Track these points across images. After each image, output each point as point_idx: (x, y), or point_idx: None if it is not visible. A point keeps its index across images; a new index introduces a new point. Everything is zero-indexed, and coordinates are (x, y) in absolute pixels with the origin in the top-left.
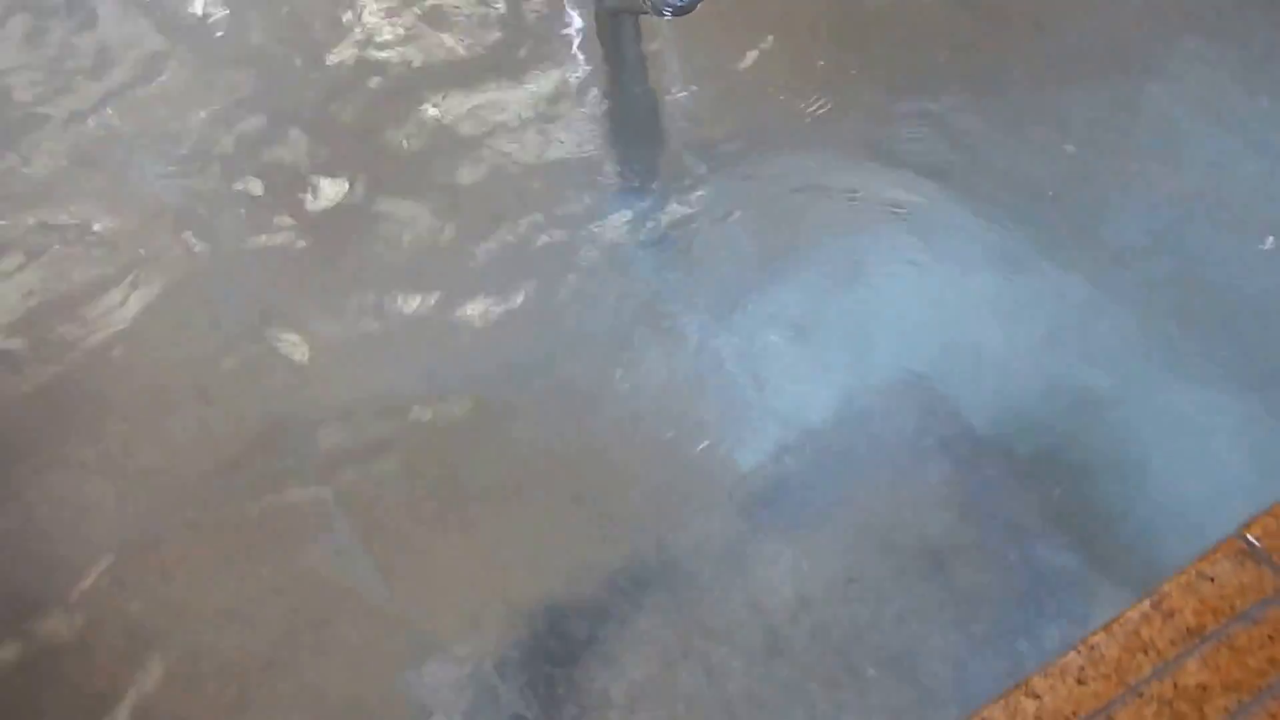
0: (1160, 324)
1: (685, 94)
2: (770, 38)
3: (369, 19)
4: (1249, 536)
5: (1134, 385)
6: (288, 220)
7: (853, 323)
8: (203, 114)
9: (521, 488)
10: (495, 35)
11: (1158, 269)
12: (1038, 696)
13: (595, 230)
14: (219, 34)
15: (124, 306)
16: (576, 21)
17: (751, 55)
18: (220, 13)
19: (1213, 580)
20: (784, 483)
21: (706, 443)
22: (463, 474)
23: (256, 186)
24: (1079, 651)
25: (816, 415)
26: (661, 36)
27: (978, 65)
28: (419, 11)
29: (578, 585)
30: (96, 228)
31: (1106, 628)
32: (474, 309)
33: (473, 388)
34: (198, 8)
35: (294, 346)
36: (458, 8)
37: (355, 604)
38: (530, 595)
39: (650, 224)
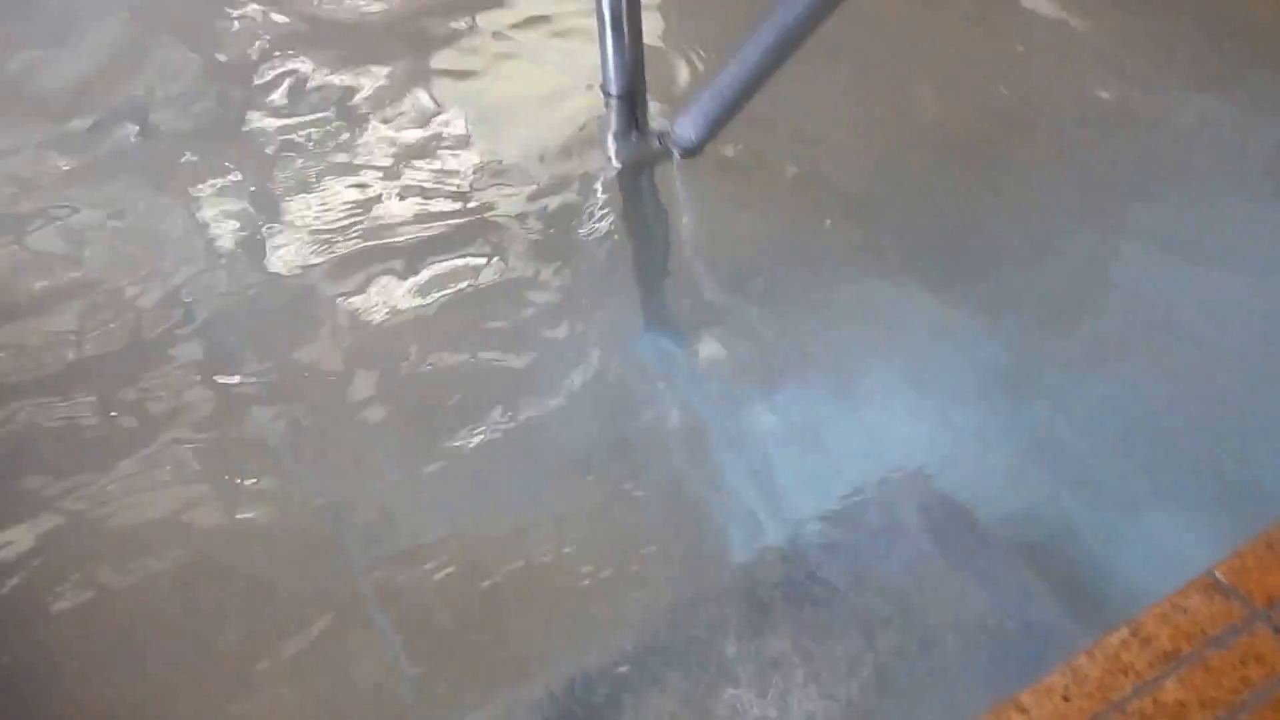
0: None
1: (703, 231)
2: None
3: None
4: (1217, 573)
5: (1116, 495)
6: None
7: (857, 433)
8: None
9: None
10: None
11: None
12: (1025, 711)
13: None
14: None
15: None
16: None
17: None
18: None
19: (1186, 611)
20: (792, 574)
21: (716, 542)
22: (490, 563)
23: None
24: (1063, 673)
25: (824, 512)
26: (677, 178)
27: (1000, 186)
28: None
29: (597, 663)
30: None
31: (1088, 652)
32: (501, 420)
33: (501, 501)
34: None
35: None
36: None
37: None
38: (549, 672)
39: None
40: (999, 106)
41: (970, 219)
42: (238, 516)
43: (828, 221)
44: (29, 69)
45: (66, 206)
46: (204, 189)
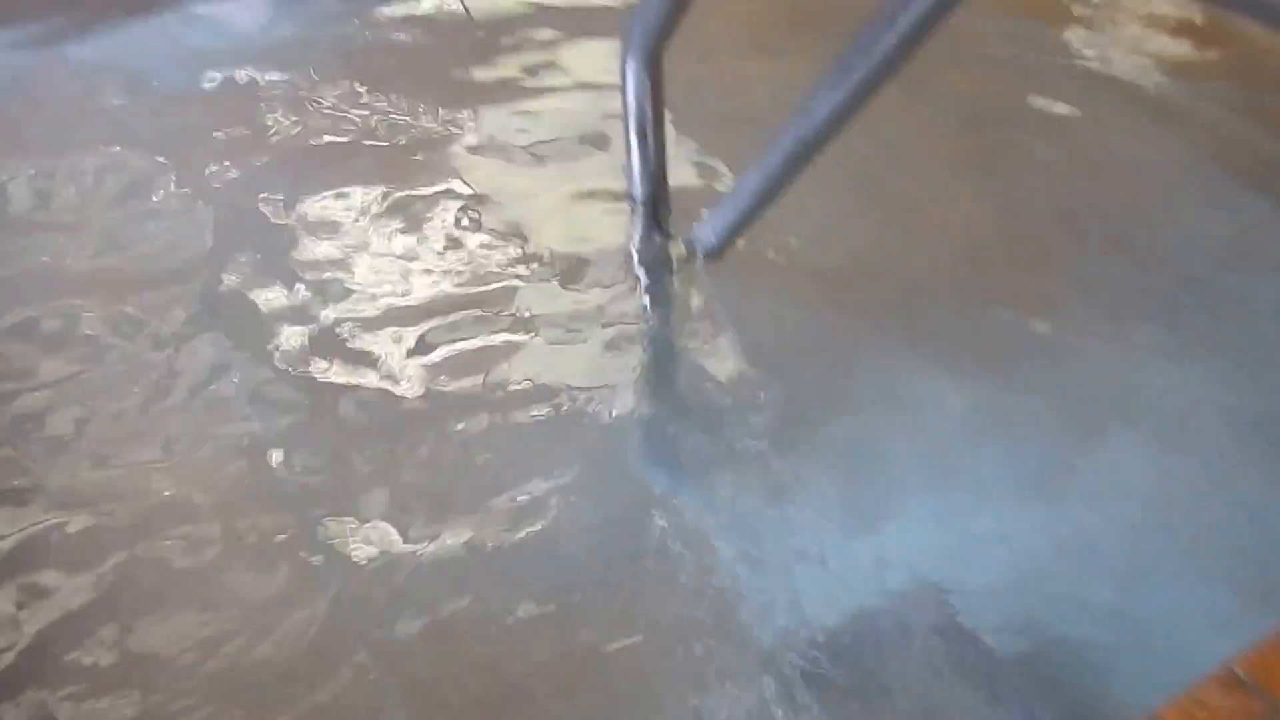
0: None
1: (724, 332)
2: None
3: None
4: (1237, 669)
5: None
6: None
7: (874, 539)
8: None
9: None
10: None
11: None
12: None
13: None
14: None
15: None
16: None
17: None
18: None
19: (1205, 706)
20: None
21: (736, 646)
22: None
23: None
24: None
25: (835, 624)
26: (699, 279)
27: (1023, 286)
28: None
29: None
30: None
31: None
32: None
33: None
34: None
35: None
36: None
37: None
38: None
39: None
40: (1021, 207)
41: (995, 320)
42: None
43: (849, 319)
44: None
45: None
46: None
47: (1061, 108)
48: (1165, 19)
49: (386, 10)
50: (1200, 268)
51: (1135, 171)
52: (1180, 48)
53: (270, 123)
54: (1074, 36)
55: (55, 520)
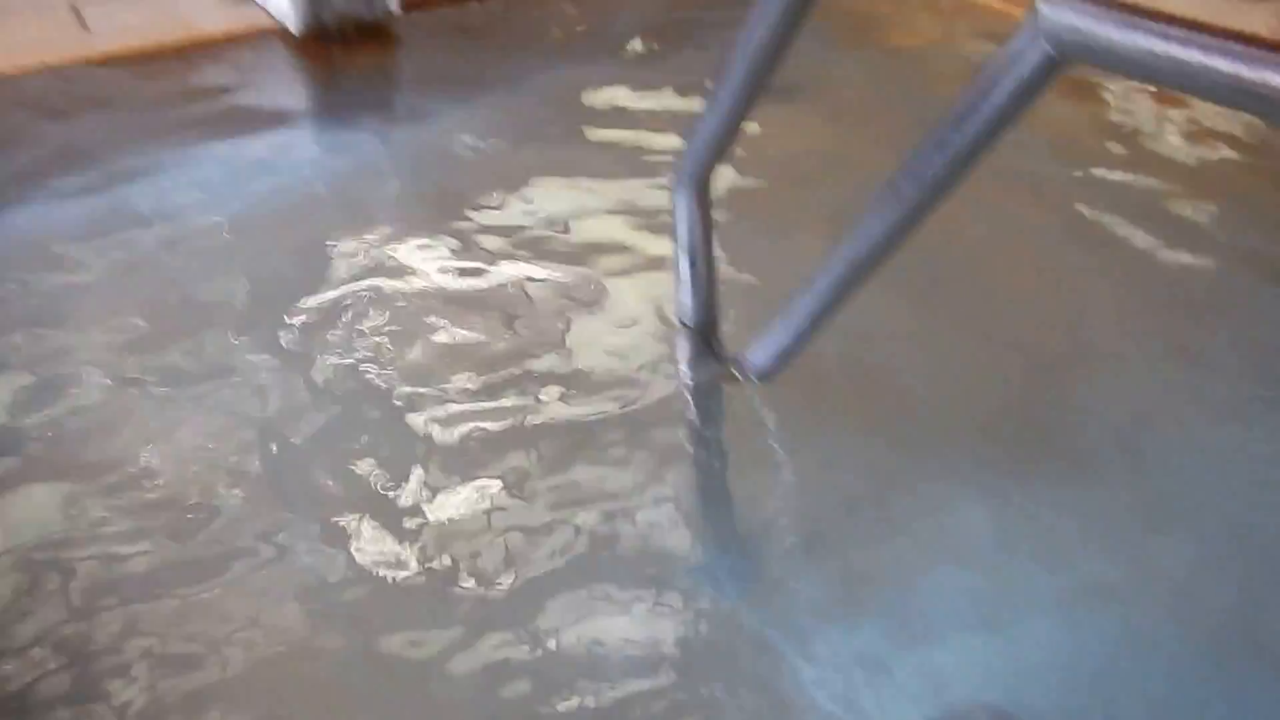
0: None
1: (775, 452)
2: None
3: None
4: None
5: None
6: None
7: (929, 658)
8: None
9: None
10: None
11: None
12: None
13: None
14: None
15: None
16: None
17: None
18: None
19: None
20: None
21: None
22: None
23: None
24: None
25: None
26: (750, 400)
27: (1086, 401)
28: None
29: None
30: None
31: None
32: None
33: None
34: None
35: None
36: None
37: None
38: None
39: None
40: (1082, 328)
41: (1056, 433)
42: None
43: (899, 439)
44: None
45: None
46: None
47: (1119, 225)
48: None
49: None
50: (1270, 381)
51: (1196, 285)
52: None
53: None
54: (1119, 151)
55: None
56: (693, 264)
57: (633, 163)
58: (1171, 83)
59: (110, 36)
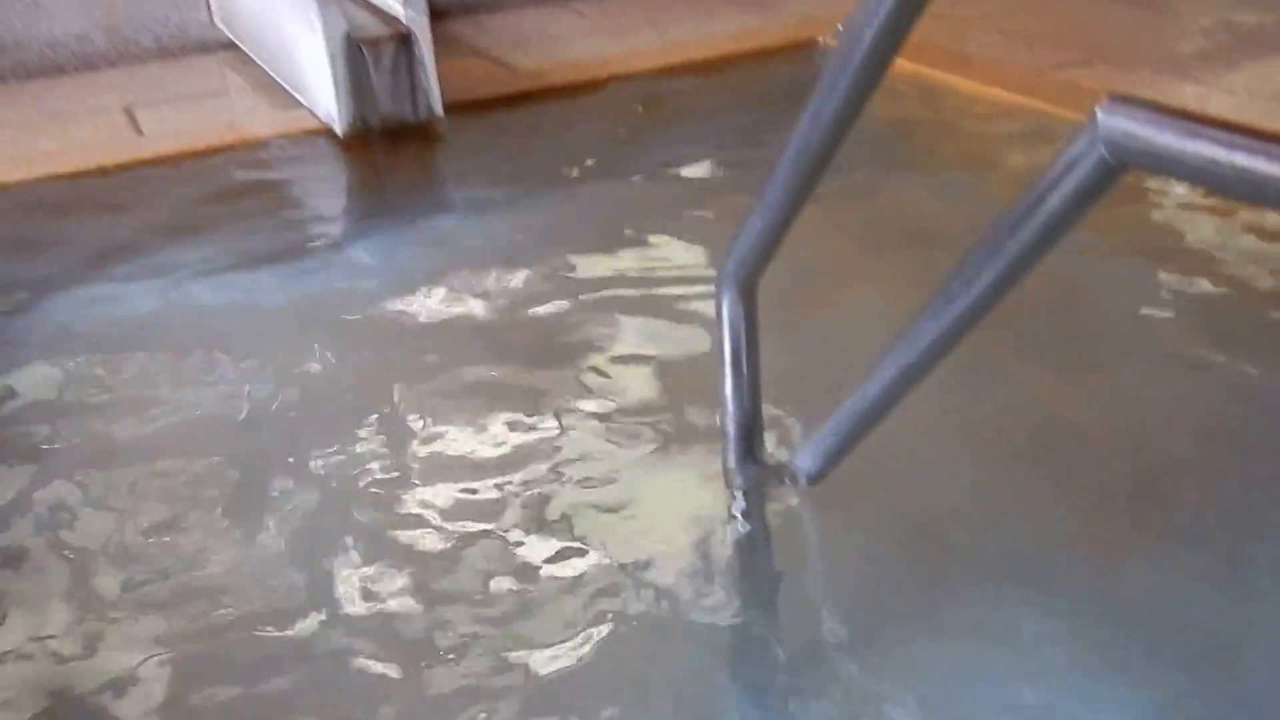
0: None
1: (821, 560)
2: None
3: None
4: None
5: None
6: None
7: None
8: None
9: None
10: None
11: None
12: None
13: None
14: None
15: None
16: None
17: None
18: None
19: None
20: None
21: None
22: None
23: None
24: None
25: None
26: (796, 505)
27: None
28: None
29: None
30: None
31: None
32: None
33: None
34: None
35: None
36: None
37: None
38: None
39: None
40: (1134, 438)
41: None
42: None
43: (945, 548)
44: None
45: None
46: None
47: (1182, 330)
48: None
49: None
50: None
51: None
52: None
53: None
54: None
55: None
56: (736, 367)
57: (671, 278)
58: (1233, 191)
59: (161, 138)
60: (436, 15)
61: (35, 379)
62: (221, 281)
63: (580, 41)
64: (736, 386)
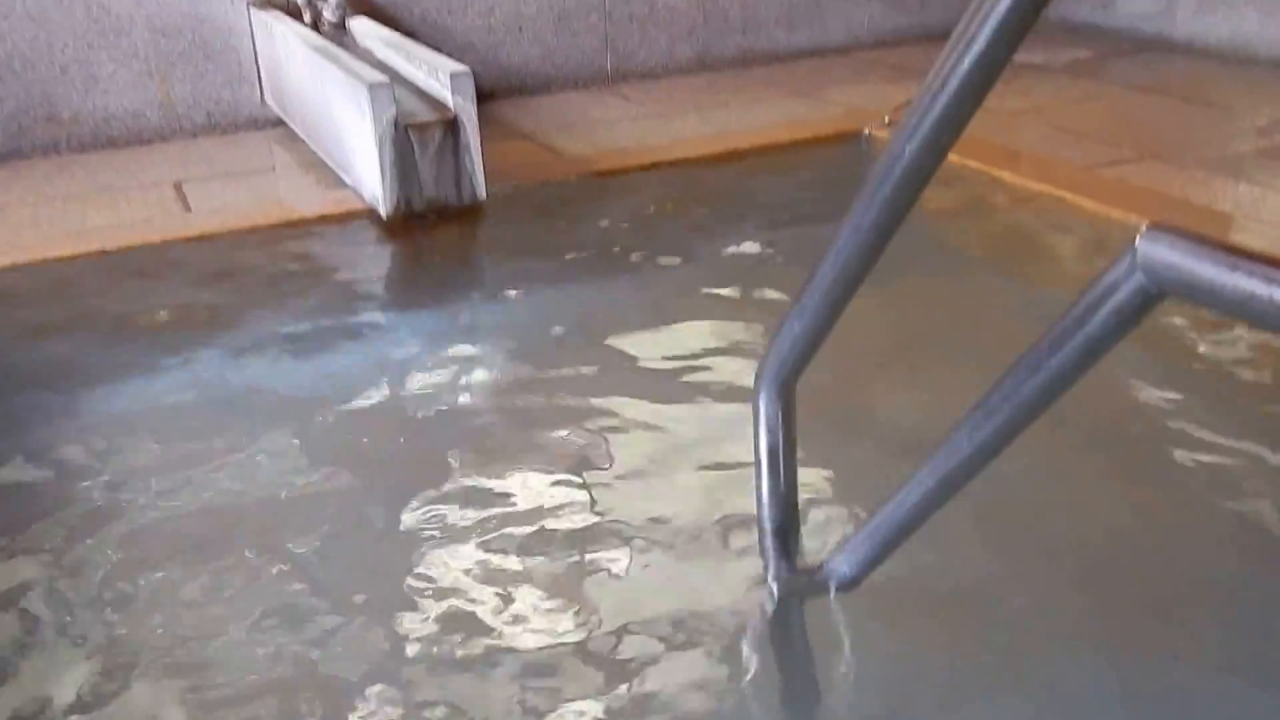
0: None
1: (855, 667)
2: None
3: None
4: None
5: None
6: None
7: None
8: None
9: None
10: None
11: None
12: None
13: None
14: None
15: None
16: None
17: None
18: None
19: None
20: None
21: None
22: None
23: None
24: None
25: None
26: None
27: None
28: None
29: None
30: None
31: None
32: None
33: None
34: None
35: None
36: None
37: None
38: None
39: None
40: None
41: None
42: None
43: (985, 653)
44: None
45: None
46: None
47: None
48: None
49: None
50: None
51: None
52: None
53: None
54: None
55: None
56: (773, 467)
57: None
58: (1272, 325)
59: (208, 215)
60: (483, 97)
61: (69, 457)
62: (260, 361)
63: (625, 126)
64: (773, 487)
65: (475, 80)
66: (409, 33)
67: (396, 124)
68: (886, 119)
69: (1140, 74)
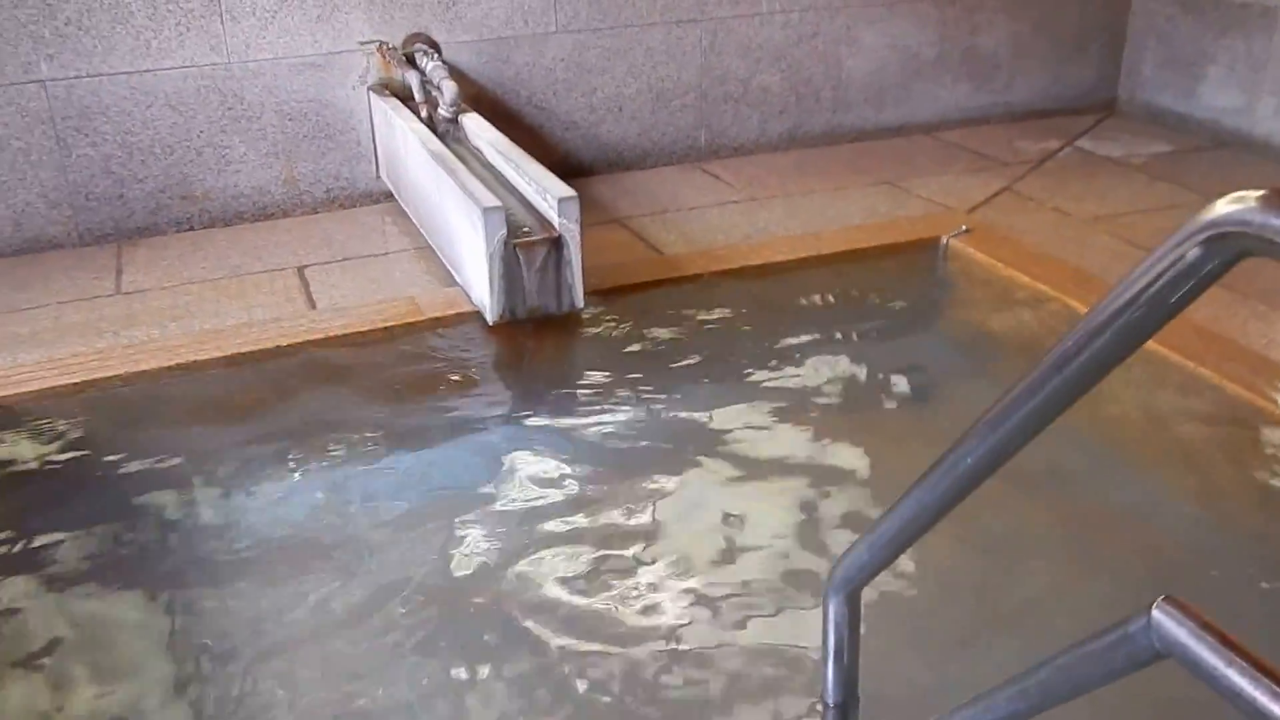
0: None
1: None
2: None
3: None
4: None
5: None
6: None
7: None
8: None
9: None
10: None
11: None
12: None
13: None
14: None
15: None
16: None
17: None
18: None
19: None
20: None
21: None
22: None
23: None
24: None
25: None
26: None
27: None
28: None
29: None
30: None
31: None
32: None
33: None
34: None
35: None
36: None
37: None
38: None
39: None
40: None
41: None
42: None
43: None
44: None
45: None
46: None
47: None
48: None
49: None
50: None
51: None
52: None
53: None
54: None
55: None
56: (839, 658)
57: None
58: None
59: (331, 316)
60: (583, 172)
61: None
62: (376, 470)
63: (715, 214)
64: (837, 670)
65: (576, 157)
66: (517, 113)
67: (506, 243)
68: (964, 227)
69: (1218, 176)
